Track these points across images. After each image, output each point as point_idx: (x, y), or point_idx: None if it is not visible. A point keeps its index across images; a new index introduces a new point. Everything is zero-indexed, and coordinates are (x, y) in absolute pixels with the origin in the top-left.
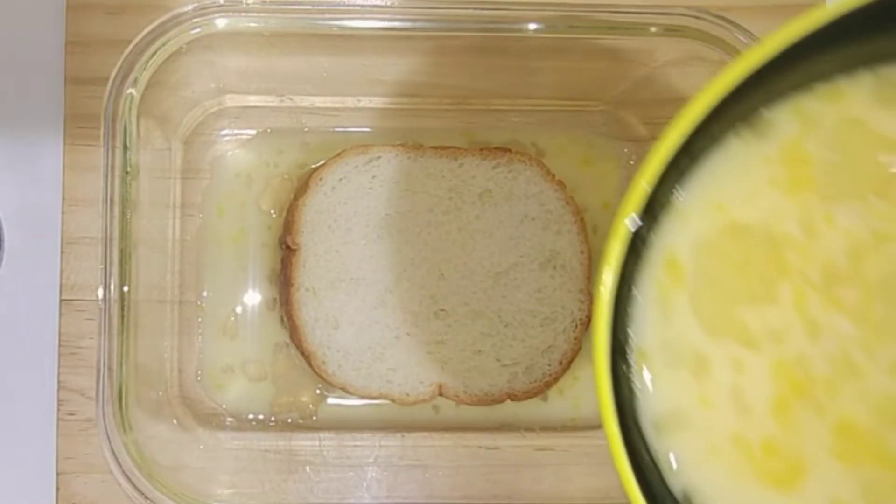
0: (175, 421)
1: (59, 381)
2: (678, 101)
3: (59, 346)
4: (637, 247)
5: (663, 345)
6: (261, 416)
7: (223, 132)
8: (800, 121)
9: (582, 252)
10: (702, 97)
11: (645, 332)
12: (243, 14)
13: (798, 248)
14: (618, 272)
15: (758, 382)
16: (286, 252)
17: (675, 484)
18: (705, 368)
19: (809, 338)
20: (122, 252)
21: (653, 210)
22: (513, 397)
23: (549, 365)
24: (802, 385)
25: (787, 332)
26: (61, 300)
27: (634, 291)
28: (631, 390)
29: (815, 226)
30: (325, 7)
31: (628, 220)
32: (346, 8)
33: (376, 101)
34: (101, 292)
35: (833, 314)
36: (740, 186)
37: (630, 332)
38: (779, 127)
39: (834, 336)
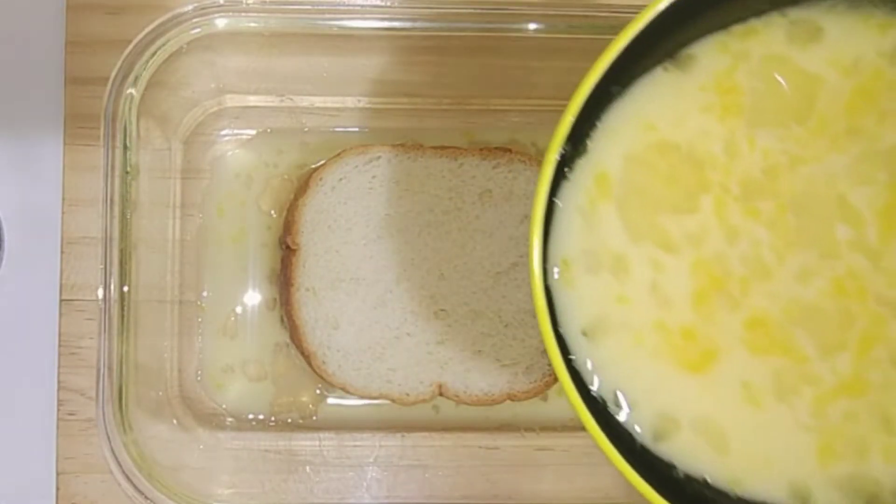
0: (175, 421)
1: (59, 381)
2: None
3: (59, 346)
4: (564, 170)
5: (584, 252)
6: (261, 416)
7: (223, 132)
8: (730, 55)
9: None
10: (619, 38)
11: (569, 241)
12: (243, 14)
13: (720, 166)
14: (548, 192)
15: (677, 278)
16: (286, 252)
17: (606, 388)
18: (626, 269)
19: (727, 240)
20: (122, 252)
21: (583, 137)
22: (513, 397)
23: (549, 365)
24: (720, 280)
25: (706, 235)
26: (61, 300)
27: (559, 204)
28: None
29: (737, 147)
30: (325, 7)
31: (558, 153)
32: (346, 8)
33: (376, 101)
34: (101, 292)
35: (750, 221)
36: (671, 111)
37: (554, 242)
38: (704, 61)
39: (750, 240)
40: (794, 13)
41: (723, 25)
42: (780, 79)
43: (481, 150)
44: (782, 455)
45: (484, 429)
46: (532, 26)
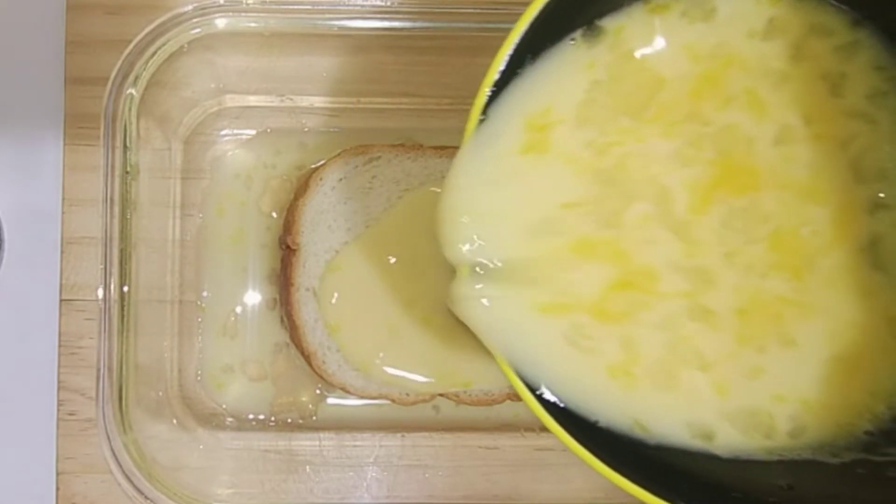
0: (175, 421)
1: (59, 381)
2: None
3: (59, 346)
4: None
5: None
6: (261, 416)
7: (223, 132)
8: (606, 43)
9: None
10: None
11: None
12: (243, 14)
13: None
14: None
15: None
16: (286, 252)
17: None
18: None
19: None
20: (122, 252)
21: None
22: (513, 397)
23: None
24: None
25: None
26: (61, 300)
27: None
28: None
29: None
30: (325, 7)
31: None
32: (346, 8)
33: (376, 101)
34: (101, 292)
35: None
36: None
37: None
38: (609, 32)
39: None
40: None
41: None
42: (626, 74)
43: None
44: (582, 367)
45: (484, 429)
46: None
